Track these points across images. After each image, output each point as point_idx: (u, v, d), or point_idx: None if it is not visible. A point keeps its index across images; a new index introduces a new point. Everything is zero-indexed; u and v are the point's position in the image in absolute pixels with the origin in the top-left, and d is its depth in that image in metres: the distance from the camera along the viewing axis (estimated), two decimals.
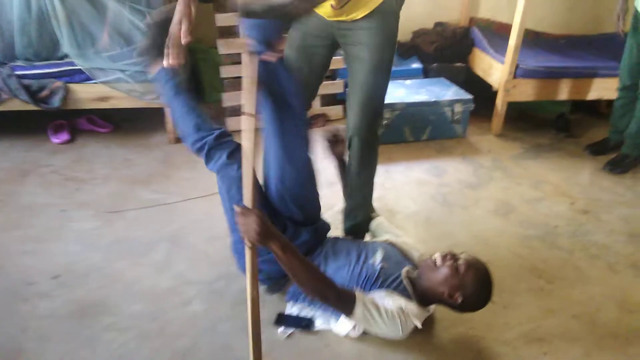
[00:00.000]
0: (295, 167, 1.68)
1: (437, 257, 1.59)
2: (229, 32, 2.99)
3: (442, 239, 2.16)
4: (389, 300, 1.55)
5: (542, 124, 3.38)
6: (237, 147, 1.68)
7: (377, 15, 1.67)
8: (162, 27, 1.68)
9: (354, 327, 1.63)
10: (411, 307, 1.56)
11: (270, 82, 1.62)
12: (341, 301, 1.51)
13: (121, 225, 2.19)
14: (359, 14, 1.67)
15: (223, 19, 2.92)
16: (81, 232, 2.13)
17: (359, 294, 1.53)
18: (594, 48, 3.54)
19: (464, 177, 2.71)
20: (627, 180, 2.74)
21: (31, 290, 1.80)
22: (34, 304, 1.75)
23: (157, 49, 1.75)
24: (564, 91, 3.12)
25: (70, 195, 2.39)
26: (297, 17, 1.64)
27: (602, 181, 2.72)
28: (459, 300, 1.54)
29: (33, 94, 2.64)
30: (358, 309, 1.50)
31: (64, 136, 2.87)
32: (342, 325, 1.65)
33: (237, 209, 1.43)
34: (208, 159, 1.74)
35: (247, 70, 1.54)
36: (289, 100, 1.65)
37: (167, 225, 2.20)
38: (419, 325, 1.56)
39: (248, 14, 1.41)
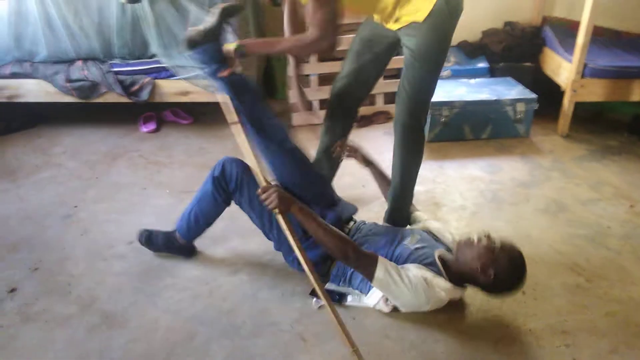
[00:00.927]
0: (281, 153, 1.89)
1: (475, 235, 1.69)
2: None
3: None
4: (416, 271, 1.67)
5: (615, 125, 3.25)
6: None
7: (426, 20, 1.76)
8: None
9: (385, 300, 1.76)
10: (438, 280, 1.67)
11: (234, 91, 1.83)
12: (362, 261, 1.65)
13: None
14: (407, 22, 1.79)
15: None
16: (156, 207, 2.44)
17: (381, 258, 1.67)
18: None
19: (519, 175, 2.71)
20: None
21: (110, 252, 2.13)
22: (111, 263, 2.07)
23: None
24: (637, 92, 2.97)
25: (151, 177, 2.73)
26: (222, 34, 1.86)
27: None
28: (492, 275, 1.62)
29: (126, 88, 3.03)
30: (379, 271, 1.63)
31: (151, 126, 3.25)
32: (372, 297, 1.78)
33: (258, 191, 1.66)
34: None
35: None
36: (254, 100, 1.87)
37: (229, 208, 2.44)
38: (444, 296, 1.66)
39: (191, 44, 1.77)
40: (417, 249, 1.78)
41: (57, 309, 1.82)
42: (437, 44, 1.83)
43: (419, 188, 2.23)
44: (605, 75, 2.95)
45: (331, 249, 1.66)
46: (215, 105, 3.29)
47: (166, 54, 3.00)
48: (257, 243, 2.17)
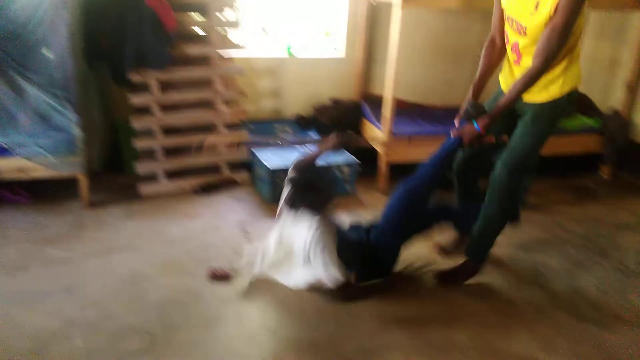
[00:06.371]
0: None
1: None
2: (143, 110, 3.44)
3: None
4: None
5: None
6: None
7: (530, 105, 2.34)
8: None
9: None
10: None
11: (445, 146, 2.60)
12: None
13: (25, 278, 2.46)
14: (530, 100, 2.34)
15: (136, 99, 3.37)
16: None
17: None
18: None
19: None
20: None
21: None
22: None
23: None
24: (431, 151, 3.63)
25: None
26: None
27: None
28: None
29: None
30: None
31: None
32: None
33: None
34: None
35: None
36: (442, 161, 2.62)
37: (65, 278, 2.47)
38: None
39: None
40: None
41: None
42: (534, 124, 2.35)
43: None
44: (408, 140, 3.57)
45: None
46: (56, 181, 3.31)
47: (2, 132, 2.99)
48: (95, 310, 2.24)
